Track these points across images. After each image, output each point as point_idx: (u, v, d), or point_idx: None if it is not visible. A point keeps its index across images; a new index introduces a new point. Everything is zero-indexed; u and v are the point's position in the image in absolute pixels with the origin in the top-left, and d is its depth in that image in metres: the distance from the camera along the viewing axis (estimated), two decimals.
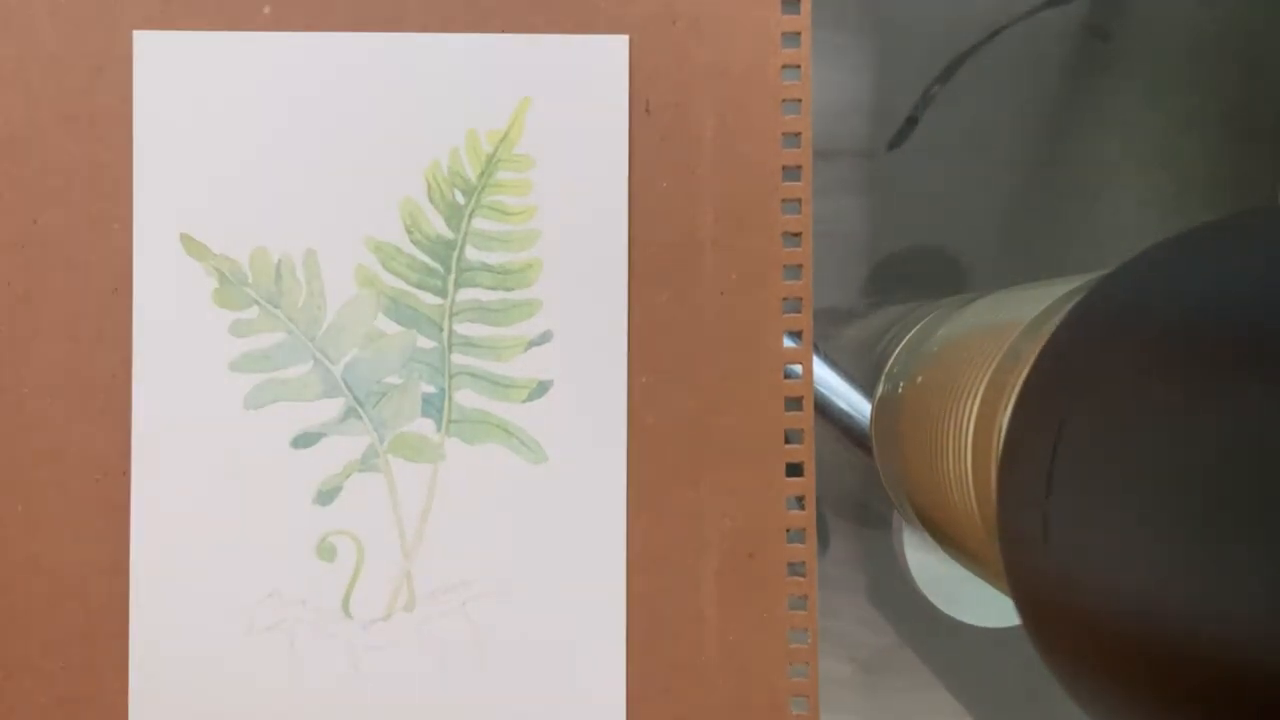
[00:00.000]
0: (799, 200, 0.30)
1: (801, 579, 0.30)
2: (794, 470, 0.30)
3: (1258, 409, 0.15)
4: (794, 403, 0.30)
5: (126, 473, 0.29)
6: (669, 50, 0.30)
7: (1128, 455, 0.17)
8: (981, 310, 0.31)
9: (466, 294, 0.29)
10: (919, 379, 0.32)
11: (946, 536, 0.31)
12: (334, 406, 0.29)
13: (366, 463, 0.29)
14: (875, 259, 0.43)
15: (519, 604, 0.29)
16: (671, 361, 0.29)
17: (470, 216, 0.29)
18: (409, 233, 0.29)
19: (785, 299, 0.30)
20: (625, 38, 0.29)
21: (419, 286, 0.29)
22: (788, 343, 0.30)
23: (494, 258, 0.29)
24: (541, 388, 0.29)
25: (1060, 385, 0.20)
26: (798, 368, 0.30)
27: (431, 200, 0.29)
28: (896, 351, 0.36)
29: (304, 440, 0.29)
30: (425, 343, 0.29)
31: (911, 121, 0.43)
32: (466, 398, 0.29)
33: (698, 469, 0.29)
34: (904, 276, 0.43)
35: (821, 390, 0.37)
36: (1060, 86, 0.43)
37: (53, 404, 0.29)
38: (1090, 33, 0.43)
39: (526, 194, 0.29)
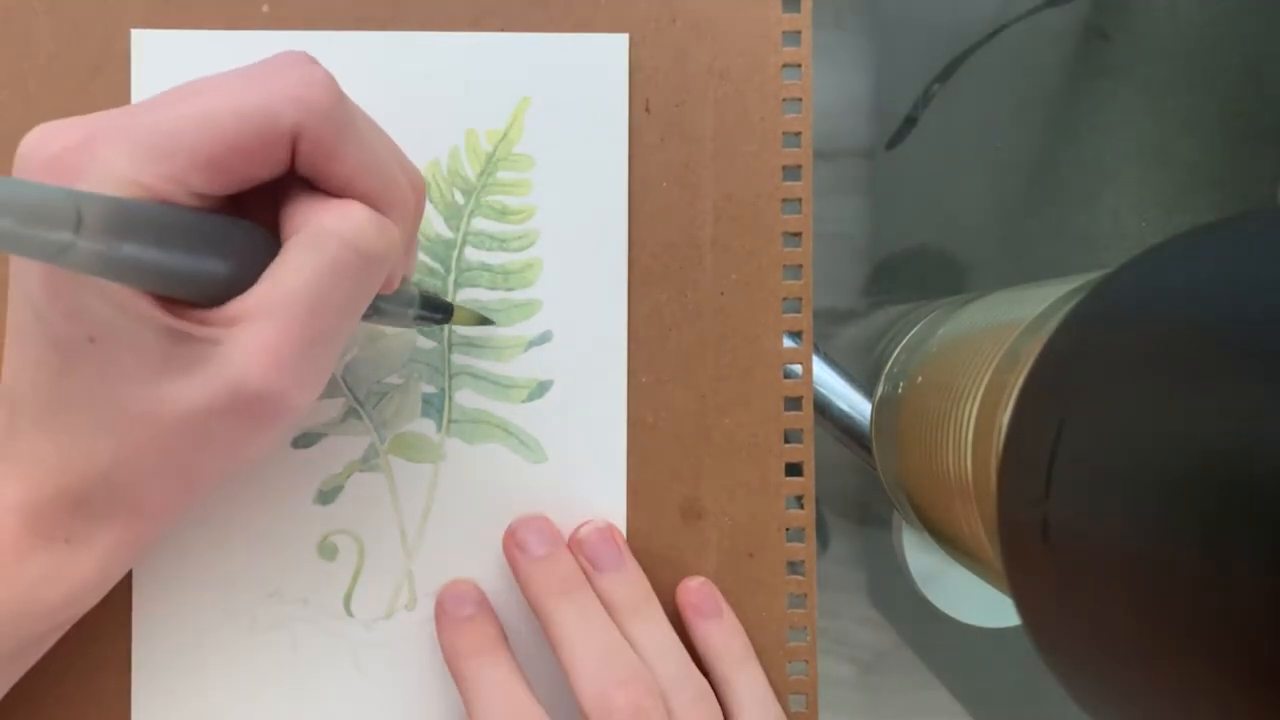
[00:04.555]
0: (799, 200, 0.30)
1: (801, 578, 0.30)
2: (794, 470, 0.30)
3: (1257, 408, 0.15)
4: (794, 403, 0.30)
5: None
6: (669, 50, 0.30)
7: (1127, 455, 0.17)
8: (981, 310, 0.31)
9: (466, 294, 0.29)
10: (919, 379, 0.32)
11: (946, 536, 0.31)
12: (334, 406, 0.29)
13: (367, 462, 0.29)
14: (875, 259, 0.43)
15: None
16: (671, 361, 0.29)
17: (470, 216, 0.29)
18: None
19: (785, 299, 0.30)
20: (625, 37, 0.29)
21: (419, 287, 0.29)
22: (788, 343, 0.30)
23: (494, 258, 0.29)
24: (541, 388, 0.29)
25: (1060, 385, 0.20)
26: (798, 368, 0.30)
27: (431, 200, 0.29)
28: (896, 351, 0.36)
29: (305, 440, 0.29)
30: (425, 343, 0.29)
31: (910, 121, 0.43)
32: (466, 398, 0.29)
33: (698, 469, 0.29)
34: (904, 276, 0.43)
35: (821, 390, 0.37)
36: (1060, 86, 0.43)
37: None
38: (1090, 33, 0.43)
39: (526, 194, 0.29)
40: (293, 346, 0.20)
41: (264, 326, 0.20)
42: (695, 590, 0.29)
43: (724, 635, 0.28)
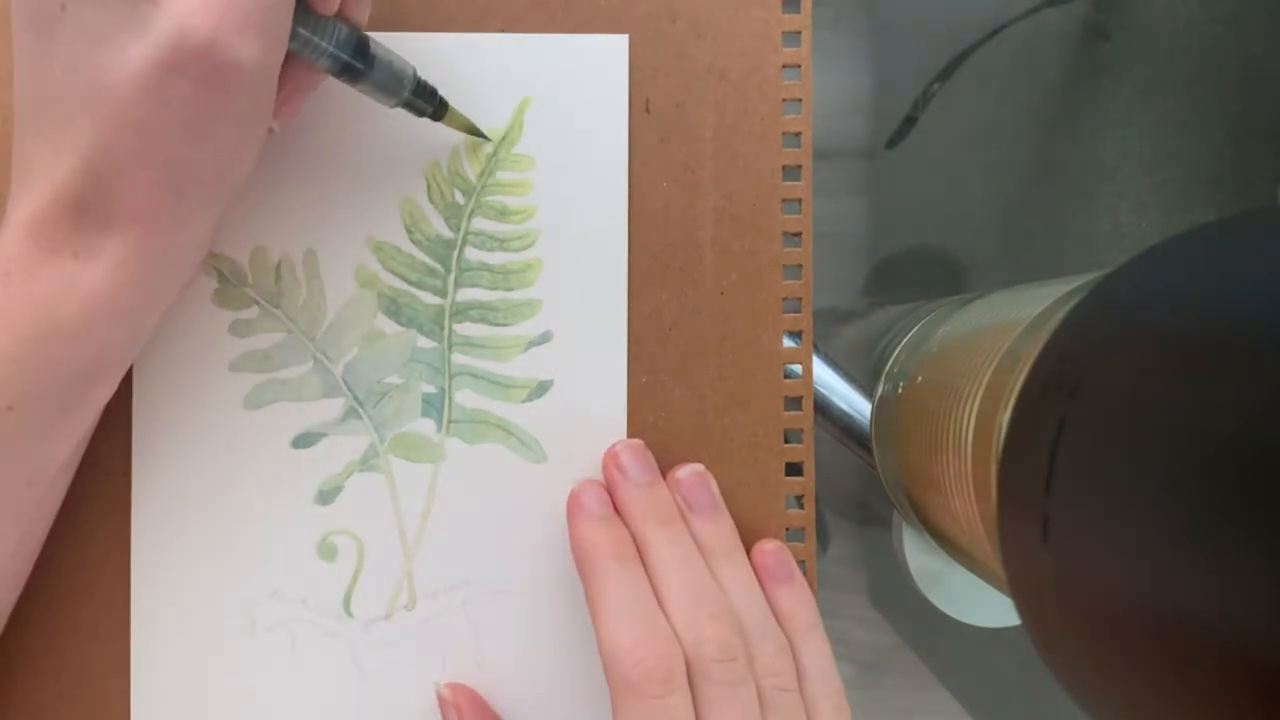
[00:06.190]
0: (799, 200, 0.30)
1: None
2: (794, 470, 0.30)
3: (1256, 408, 0.15)
4: (794, 403, 0.30)
5: (126, 473, 0.29)
6: (669, 50, 0.30)
7: (1127, 455, 0.17)
8: (981, 310, 0.31)
9: (466, 294, 0.29)
10: (919, 379, 0.32)
11: (946, 536, 0.31)
12: (334, 406, 0.29)
13: (367, 463, 0.29)
14: (875, 259, 0.43)
15: (519, 603, 0.29)
16: (671, 361, 0.29)
17: (470, 216, 0.29)
18: (409, 232, 0.29)
19: (785, 299, 0.30)
20: (625, 37, 0.29)
21: (419, 286, 0.29)
22: (788, 343, 0.30)
23: (494, 258, 0.29)
24: (541, 388, 0.29)
25: (1060, 385, 0.20)
26: (798, 368, 0.30)
27: (431, 200, 0.29)
28: (896, 351, 0.36)
29: (304, 440, 0.29)
30: (425, 343, 0.29)
31: (910, 121, 0.43)
32: (466, 398, 0.29)
33: None
34: (904, 276, 0.43)
35: (821, 390, 0.37)
36: (1060, 86, 0.43)
37: None
38: (1090, 32, 0.43)
39: (526, 194, 0.29)
40: None
41: None
42: (770, 553, 0.29)
43: (794, 601, 0.28)
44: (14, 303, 0.23)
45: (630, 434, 0.29)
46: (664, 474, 0.29)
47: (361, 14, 0.25)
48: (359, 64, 0.25)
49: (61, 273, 0.23)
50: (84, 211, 0.23)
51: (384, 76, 0.25)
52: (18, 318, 0.23)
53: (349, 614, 0.29)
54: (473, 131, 0.28)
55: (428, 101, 0.27)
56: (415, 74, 0.26)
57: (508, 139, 0.29)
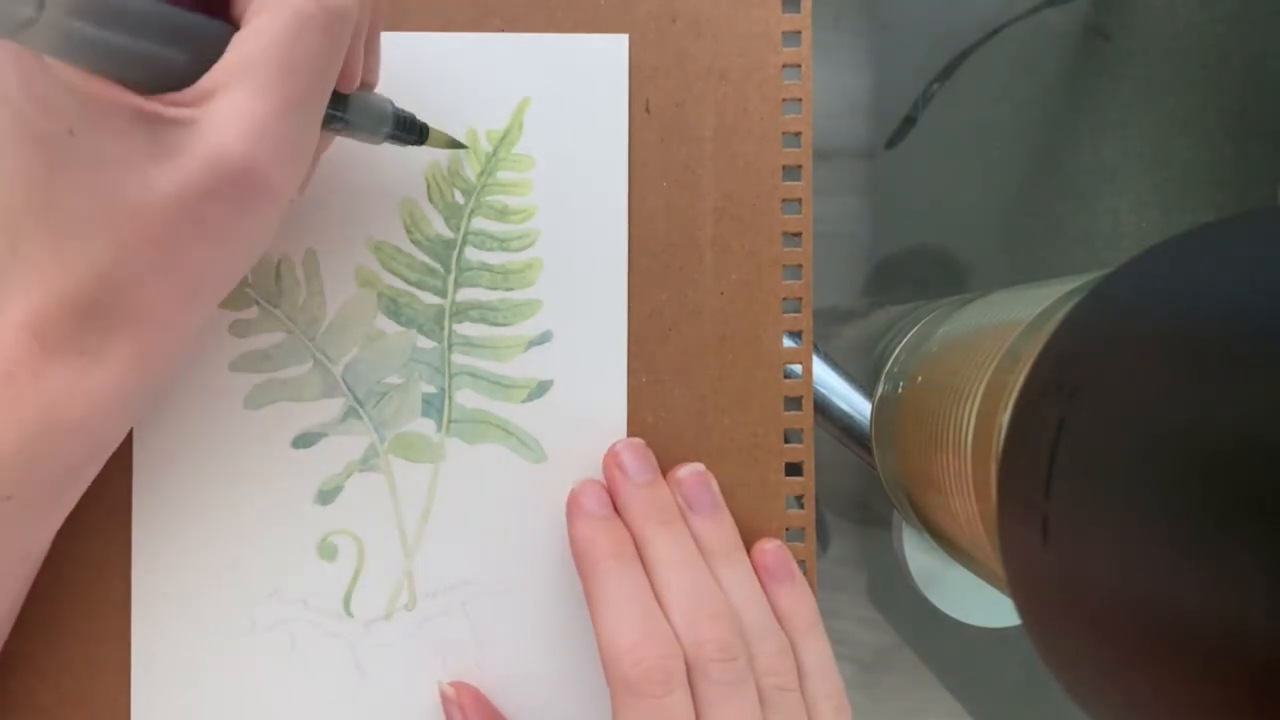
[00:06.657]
0: (799, 200, 0.30)
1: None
2: (794, 470, 0.30)
3: (1257, 408, 0.15)
4: (794, 403, 0.30)
5: (127, 473, 0.29)
6: (669, 50, 0.30)
7: (1127, 456, 0.17)
8: (981, 310, 0.31)
9: (466, 294, 0.29)
10: (919, 379, 0.32)
11: (946, 536, 0.31)
12: (334, 406, 0.29)
13: (367, 462, 0.29)
14: (875, 259, 0.43)
15: (519, 603, 0.29)
16: (671, 361, 0.29)
17: (470, 216, 0.29)
18: (409, 232, 0.29)
19: (785, 299, 0.30)
20: (625, 37, 0.29)
21: (419, 286, 0.29)
22: (788, 343, 0.30)
23: (494, 258, 0.29)
24: (541, 388, 0.29)
25: (1060, 385, 0.20)
26: (798, 368, 0.30)
27: (431, 200, 0.29)
28: (896, 351, 0.36)
29: (304, 440, 0.29)
30: (425, 343, 0.29)
31: (910, 121, 0.43)
32: (467, 398, 0.29)
33: None
34: (904, 276, 0.43)
35: (821, 390, 0.37)
36: (1060, 86, 0.43)
37: None
38: (1090, 33, 0.43)
39: (526, 194, 0.29)
40: (268, 110, 0.20)
41: (236, 95, 0.20)
42: (770, 553, 0.29)
43: (794, 600, 0.28)
44: (19, 400, 0.22)
45: (630, 434, 0.29)
46: (664, 474, 0.29)
47: (375, 78, 0.25)
48: (339, 113, 0.24)
49: (68, 371, 0.22)
50: (93, 314, 0.22)
51: (366, 120, 0.25)
52: (23, 415, 0.22)
53: (349, 614, 0.29)
54: (454, 145, 0.28)
55: (409, 132, 0.26)
56: (394, 109, 0.26)
57: (508, 139, 0.29)
